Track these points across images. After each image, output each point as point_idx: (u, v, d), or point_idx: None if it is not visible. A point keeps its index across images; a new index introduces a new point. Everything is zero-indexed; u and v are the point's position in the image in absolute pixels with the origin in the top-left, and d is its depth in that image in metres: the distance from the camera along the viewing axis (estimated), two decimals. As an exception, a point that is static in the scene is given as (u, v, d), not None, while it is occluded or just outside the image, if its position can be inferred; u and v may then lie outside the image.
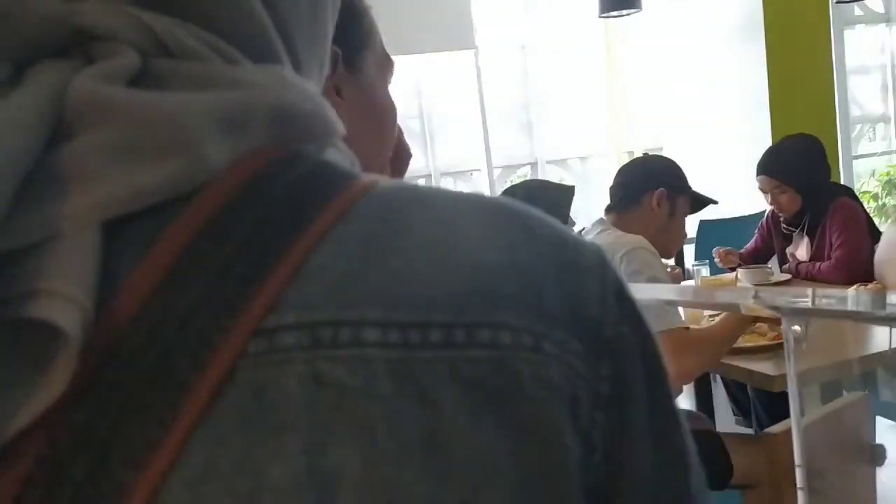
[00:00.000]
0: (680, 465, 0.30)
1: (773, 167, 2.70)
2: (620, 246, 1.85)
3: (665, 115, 4.81)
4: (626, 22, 4.17)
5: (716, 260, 2.94)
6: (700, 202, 2.09)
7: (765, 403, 2.68)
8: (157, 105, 0.25)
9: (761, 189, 2.76)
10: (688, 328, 1.78)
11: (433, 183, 4.51)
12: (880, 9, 5.20)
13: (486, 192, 4.59)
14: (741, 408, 2.92)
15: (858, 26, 5.21)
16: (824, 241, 2.76)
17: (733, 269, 2.92)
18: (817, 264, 2.73)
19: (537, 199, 2.66)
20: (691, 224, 2.48)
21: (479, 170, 4.63)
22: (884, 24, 5.26)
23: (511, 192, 2.71)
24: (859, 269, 2.64)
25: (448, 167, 4.59)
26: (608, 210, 2.10)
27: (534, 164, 4.72)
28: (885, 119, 5.35)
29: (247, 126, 0.26)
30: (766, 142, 4.08)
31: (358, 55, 0.67)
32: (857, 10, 4.94)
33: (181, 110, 0.25)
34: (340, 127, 0.30)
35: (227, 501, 0.22)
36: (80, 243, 0.23)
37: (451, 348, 0.24)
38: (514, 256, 0.27)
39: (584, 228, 2.10)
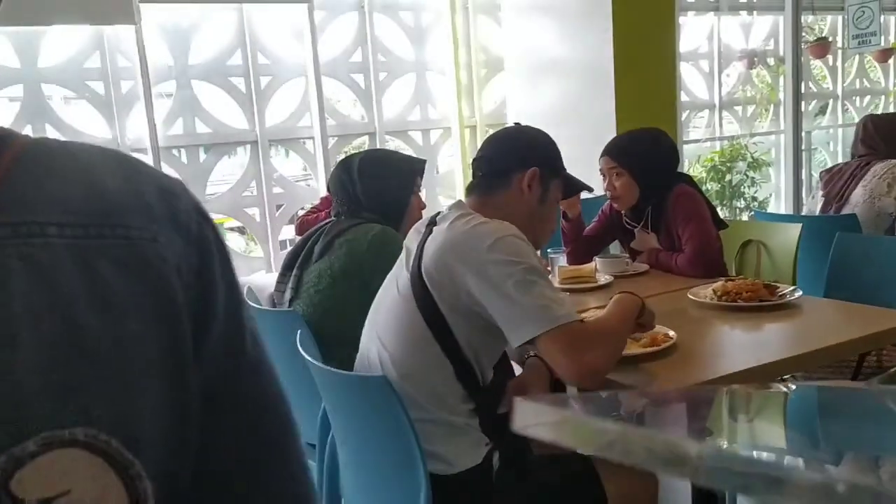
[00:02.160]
0: (240, 304, 0.53)
1: (615, 150, 2.66)
2: (486, 235, 1.53)
3: (511, 92, 4.63)
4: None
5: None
6: (574, 187, 1.82)
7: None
8: None
9: (601, 171, 2.70)
10: (582, 320, 1.51)
11: (262, 150, 4.05)
12: (711, -3, 5.32)
13: (320, 162, 4.23)
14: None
15: (689, 14, 5.30)
16: (671, 235, 2.66)
17: (568, 220, 2.79)
18: (674, 257, 2.62)
19: (383, 166, 2.31)
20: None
21: (311, 138, 4.22)
22: (712, 13, 5.39)
23: (349, 159, 2.36)
24: (713, 262, 2.56)
25: (277, 133, 4.13)
26: (469, 190, 1.76)
27: (372, 134, 4.37)
28: (709, 106, 5.51)
29: None
30: (611, 124, 4.01)
31: None
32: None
33: None
34: None
35: None
36: None
37: (101, 238, 0.45)
38: (131, 186, 0.48)
39: (439, 213, 1.75)
